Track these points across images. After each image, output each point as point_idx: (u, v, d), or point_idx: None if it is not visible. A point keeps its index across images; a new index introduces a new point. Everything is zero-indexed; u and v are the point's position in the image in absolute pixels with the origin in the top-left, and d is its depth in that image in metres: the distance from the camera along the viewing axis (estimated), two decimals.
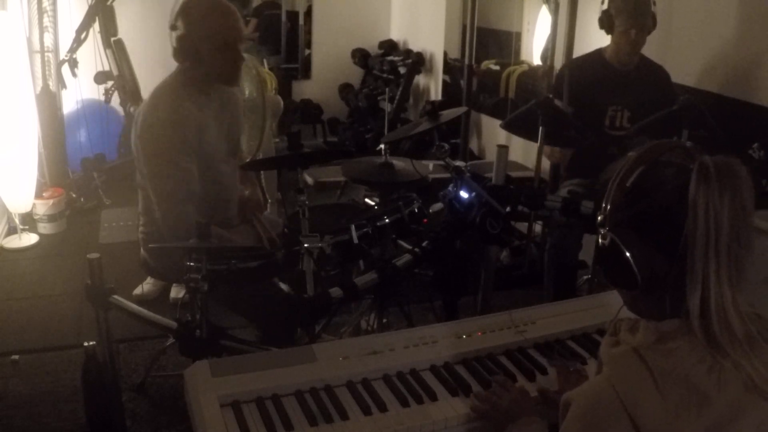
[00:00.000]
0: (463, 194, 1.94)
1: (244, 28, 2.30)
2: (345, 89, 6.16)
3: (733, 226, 0.96)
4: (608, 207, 1.05)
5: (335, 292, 1.80)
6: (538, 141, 2.81)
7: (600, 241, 1.06)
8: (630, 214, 1.03)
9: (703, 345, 0.98)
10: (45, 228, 4.02)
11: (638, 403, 0.97)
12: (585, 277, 3.32)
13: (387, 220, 2.13)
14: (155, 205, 2.20)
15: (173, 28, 2.19)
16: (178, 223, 2.13)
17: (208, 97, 2.28)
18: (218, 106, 2.33)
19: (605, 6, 2.95)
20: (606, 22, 2.93)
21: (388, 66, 5.72)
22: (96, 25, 4.48)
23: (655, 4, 2.91)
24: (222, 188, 2.35)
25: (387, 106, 5.39)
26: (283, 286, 2.08)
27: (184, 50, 2.18)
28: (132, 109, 4.71)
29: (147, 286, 3.22)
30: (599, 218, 1.06)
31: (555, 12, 4.14)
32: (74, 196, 4.39)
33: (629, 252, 1.03)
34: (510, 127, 3.06)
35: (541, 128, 2.75)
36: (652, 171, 1.03)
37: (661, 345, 1.01)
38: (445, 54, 5.47)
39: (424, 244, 1.96)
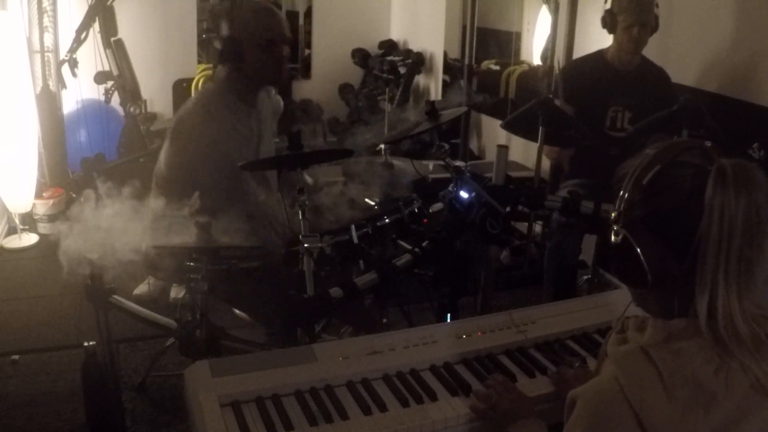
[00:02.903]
0: (463, 194, 1.94)
1: (289, 32, 2.34)
2: (345, 89, 6.16)
3: (746, 230, 0.96)
4: (623, 204, 1.05)
5: (335, 292, 1.80)
6: (538, 141, 2.81)
7: (612, 237, 1.06)
8: (644, 213, 1.03)
9: (710, 345, 0.98)
10: (45, 228, 4.02)
11: (645, 402, 0.97)
12: (585, 277, 3.32)
13: (387, 220, 2.13)
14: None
15: (217, 30, 2.25)
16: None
17: (249, 107, 2.29)
18: (260, 121, 2.33)
19: (608, 5, 2.95)
20: (609, 21, 2.94)
21: (388, 66, 5.72)
22: (96, 25, 4.48)
23: (657, 6, 2.91)
24: (256, 206, 2.29)
25: (387, 106, 5.39)
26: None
27: (227, 52, 2.20)
28: (132, 109, 4.71)
29: (147, 286, 3.22)
30: (613, 214, 1.06)
31: (555, 12, 4.14)
32: (74, 196, 4.39)
33: (641, 250, 1.03)
34: (510, 127, 3.06)
35: (541, 128, 2.75)
36: (669, 170, 1.02)
37: (669, 344, 1.01)
38: (445, 54, 5.47)
39: (424, 244, 1.96)
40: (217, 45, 2.25)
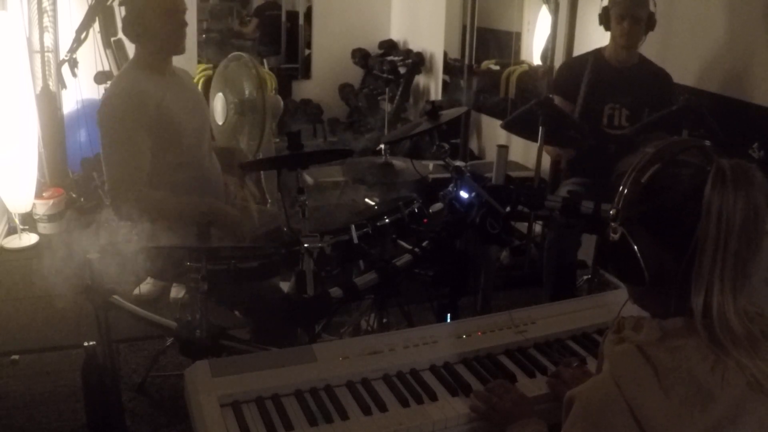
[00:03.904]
0: (463, 194, 1.94)
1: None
2: (345, 89, 6.16)
3: (743, 231, 0.96)
4: (621, 201, 1.05)
5: (335, 292, 1.80)
6: (538, 141, 2.81)
7: (611, 235, 1.06)
8: (643, 211, 1.03)
9: (706, 344, 0.98)
10: (45, 228, 4.02)
11: (642, 401, 0.98)
12: (585, 277, 3.32)
13: (387, 220, 2.13)
14: (106, 181, 2.30)
15: (121, 4, 2.36)
16: (127, 201, 2.22)
17: (164, 77, 2.37)
18: (177, 86, 2.42)
19: (605, 2, 2.97)
20: (604, 17, 2.97)
21: (388, 66, 5.72)
22: (96, 25, 4.48)
23: (656, 5, 2.92)
24: (203, 172, 2.41)
25: (387, 106, 5.39)
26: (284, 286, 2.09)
27: (133, 25, 2.31)
28: None
29: (147, 286, 3.22)
30: (611, 212, 1.06)
31: (555, 12, 4.14)
32: (74, 196, 4.39)
33: (638, 248, 1.03)
34: (510, 127, 3.06)
35: (541, 128, 2.76)
36: (668, 169, 1.02)
37: (665, 343, 1.01)
38: (445, 54, 5.47)
39: (424, 244, 1.96)
40: (123, 20, 2.34)
